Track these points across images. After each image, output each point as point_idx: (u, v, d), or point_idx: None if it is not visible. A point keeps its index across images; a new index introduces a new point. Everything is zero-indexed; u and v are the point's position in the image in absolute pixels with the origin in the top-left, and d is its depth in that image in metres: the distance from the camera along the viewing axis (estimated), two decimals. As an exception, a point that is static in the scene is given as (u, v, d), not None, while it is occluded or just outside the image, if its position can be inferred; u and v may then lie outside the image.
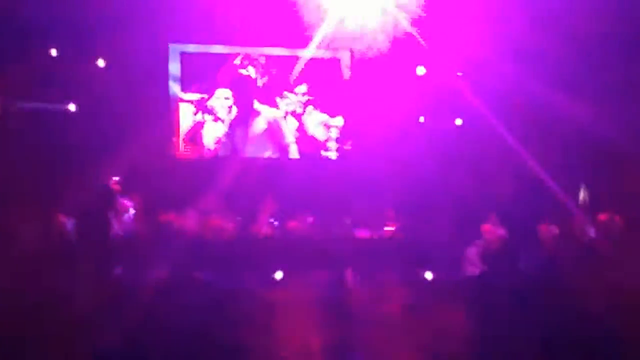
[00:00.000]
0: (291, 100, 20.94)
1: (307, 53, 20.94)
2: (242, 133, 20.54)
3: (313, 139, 21.00)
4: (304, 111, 21.03)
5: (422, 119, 21.17)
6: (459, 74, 21.01)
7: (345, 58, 21.23)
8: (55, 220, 17.45)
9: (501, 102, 20.68)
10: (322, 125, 21.07)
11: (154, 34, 18.94)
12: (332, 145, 21.12)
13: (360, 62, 20.91)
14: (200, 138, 20.26)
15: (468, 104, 20.83)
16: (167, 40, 19.90)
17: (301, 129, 20.95)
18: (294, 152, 20.86)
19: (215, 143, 20.31)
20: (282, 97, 20.88)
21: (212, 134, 20.35)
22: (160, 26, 18.83)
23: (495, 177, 20.28)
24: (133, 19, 17.75)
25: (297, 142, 20.92)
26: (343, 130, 21.16)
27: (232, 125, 20.51)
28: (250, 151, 20.60)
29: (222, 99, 20.44)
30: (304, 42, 20.28)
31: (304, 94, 21.05)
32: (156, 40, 19.35)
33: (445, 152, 20.66)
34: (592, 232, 18.72)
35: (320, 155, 21.04)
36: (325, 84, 21.23)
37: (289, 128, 20.88)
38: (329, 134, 21.13)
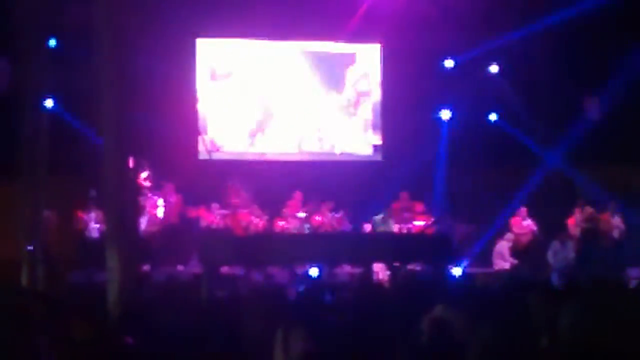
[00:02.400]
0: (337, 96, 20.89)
1: (338, 47, 20.89)
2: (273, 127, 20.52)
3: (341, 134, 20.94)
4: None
5: (448, 114, 21.05)
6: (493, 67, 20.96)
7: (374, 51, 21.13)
8: (75, 216, 17.56)
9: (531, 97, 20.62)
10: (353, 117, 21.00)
11: (181, 29, 18.93)
12: (363, 138, 21.04)
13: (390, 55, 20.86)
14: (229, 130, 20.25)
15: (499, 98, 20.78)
16: (194, 34, 19.86)
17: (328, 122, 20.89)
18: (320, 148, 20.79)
19: (250, 136, 20.28)
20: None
21: (244, 126, 20.34)
22: (187, 21, 18.80)
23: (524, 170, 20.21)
24: (160, 14, 17.73)
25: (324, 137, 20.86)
26: (373, 125, 21.07)
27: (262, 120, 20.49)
28: (282, 146, 20.54)
29: (251, 92, 20.43)
30: (336, 34, 20.27)
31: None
32: (183, 35, 19.34)
33: (475, 146, 20.56)
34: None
35: (349, 151, 20.96)
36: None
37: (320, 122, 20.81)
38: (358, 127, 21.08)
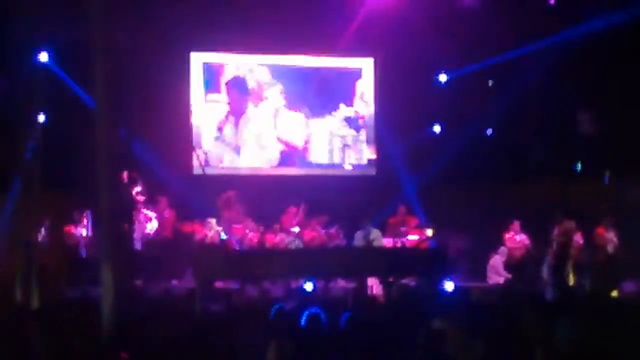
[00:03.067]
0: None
1: (330, 62, 20.94)
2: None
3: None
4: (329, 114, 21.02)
5: (438, 129, 21.14)
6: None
7: (367, 66, 21.18)
8: (63, 232, 17.51)
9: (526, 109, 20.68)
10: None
11: (175, 43, 18.96)
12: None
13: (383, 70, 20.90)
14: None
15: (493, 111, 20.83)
16: (188, 48, 19.89)
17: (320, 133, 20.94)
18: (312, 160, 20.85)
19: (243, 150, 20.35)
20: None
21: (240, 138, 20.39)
22: (181, 35, 18.83)
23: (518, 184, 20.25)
24: (154, 28, 17.76)
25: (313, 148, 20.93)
26: (367, 139, 21.11)
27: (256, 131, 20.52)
28: (274, 160, 20.57)
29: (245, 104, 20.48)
30: (327, 49, 20.32)
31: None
32: (177, 49, 19.36)
33: (470, 160, 20.60)
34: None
35: (342, 164, 21.00)
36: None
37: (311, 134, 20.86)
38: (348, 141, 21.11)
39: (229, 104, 20.52)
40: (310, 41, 19.83)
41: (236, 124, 20.50)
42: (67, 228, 17.42)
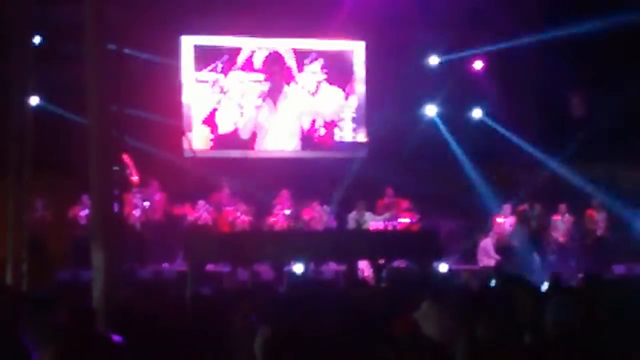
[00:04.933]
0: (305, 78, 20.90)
1: (324, 44, 20.91)
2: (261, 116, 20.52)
3: (326, 118, 20.94)
4: (317, 90, 20.95)
5: (435, 110, 21.12)
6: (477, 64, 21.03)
7: (359, 49, 21.16)
8: (68, 214, 17.50)
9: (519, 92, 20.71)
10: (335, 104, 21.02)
11: (166, 26, 18.93)
12: (346, 125, 21.09)
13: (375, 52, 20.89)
14: (214, 120, 20.24)
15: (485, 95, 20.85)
16: (179, 31, 19.84)
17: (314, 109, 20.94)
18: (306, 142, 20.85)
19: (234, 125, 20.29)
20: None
21: (228, 116, 20.31)
22: (173, 18, 18.78)
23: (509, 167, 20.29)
24: (145, 10, 17.71)
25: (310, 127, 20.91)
26: (358, 117, 21.10)
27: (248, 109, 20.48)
28: (268, 141, 20.56)
29: (236, 82, 20.40)
30: (319, 32, 20.29)
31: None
32: (168, 32, 19.33)
33: (460, 143, 20.64)
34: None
35: (334, 146, 20.99)
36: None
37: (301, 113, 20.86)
38: (343, 114, 21.08)
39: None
40: (302, 24, 19.77)
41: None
42: (71, 210, 17.37)
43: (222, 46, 20.35)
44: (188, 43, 20.07)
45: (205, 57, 20.22)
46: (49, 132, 16.36)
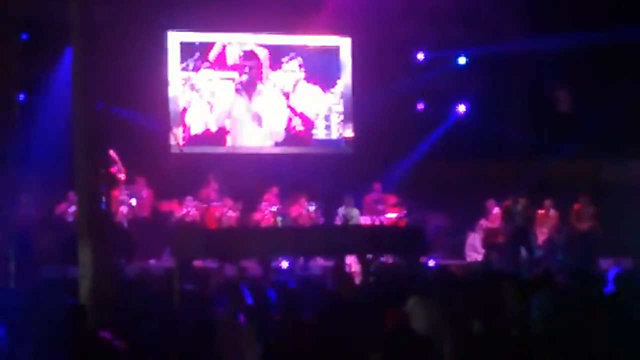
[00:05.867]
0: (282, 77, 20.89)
1: (308, 40, 20.90)
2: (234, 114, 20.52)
3: (304, 116, 20.92)
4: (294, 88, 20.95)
5: (422, 106, 21.16)
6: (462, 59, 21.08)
7: (345, 45, 21.15)
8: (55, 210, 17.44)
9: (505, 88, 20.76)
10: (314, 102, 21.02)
11: (152, 21, 18.90)
12: (331, 122, 21.11)
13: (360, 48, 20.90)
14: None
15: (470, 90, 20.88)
16: (165, 27, 19.81)
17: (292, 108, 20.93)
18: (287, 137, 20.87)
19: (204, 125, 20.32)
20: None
21: (199, 115, 20.32)
22: (159, 13, 18.75)
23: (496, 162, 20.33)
24: (131, 6, 17.66)
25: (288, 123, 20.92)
26: (344, 115, 21.11)
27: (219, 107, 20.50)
28: (245, 137, 20.56)
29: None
30: (304, 28, 20.29)
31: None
32: (154, 27, 19.30)
33: (447, 139, 20.68)
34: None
35: (313, 143, 21.02)
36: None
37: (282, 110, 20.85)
38: (320, 111, 21.09)
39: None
40: (288, 20, 19.77)
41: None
42: (58, 206, 17.31)
43: (205, 42, 20.37)
44: (174, 39, 20.06)
45: (184, 54, 20.25)
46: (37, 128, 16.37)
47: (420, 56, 21.14)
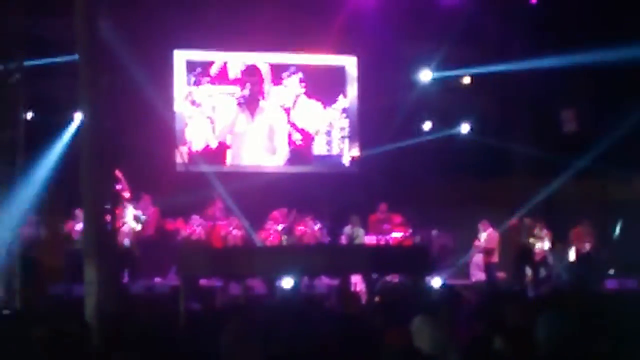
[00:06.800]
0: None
1: (315, 59, 20.95)
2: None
3: (304, 132, 20.93)
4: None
5: (427, 126, 21.15)
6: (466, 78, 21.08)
7: (350, 64, 21.19)
8: (62, 227, 17.43)
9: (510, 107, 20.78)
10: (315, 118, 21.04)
11: (159, 41, 18.95)
12: (333, 139, 21.13)
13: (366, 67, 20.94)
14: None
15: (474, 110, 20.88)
16: (172, 46, 19.86)
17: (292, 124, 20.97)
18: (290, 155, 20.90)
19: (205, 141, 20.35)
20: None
21: (199, 131, 20.37)
22: (165, 32, 18.81)
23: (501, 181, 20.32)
24: (138, 26, 17.71)
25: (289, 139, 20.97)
26: (350, 132, 21.14)
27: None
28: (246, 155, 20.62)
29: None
30: (310, 47, 20.34)
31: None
32: (161, 47, 19.35)
33: (452, 159, 20.65)
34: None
35: (313, 160, 21.04)
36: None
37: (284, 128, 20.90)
38: (320, 127, 21.10)
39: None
40: (293, 39, 19.82)
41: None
42: (66, 224, 17.27)
43: (212, 61, 20.44)
44: (180, 57, 20.12)
45: (187, 69, 20.32)
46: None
47: (426, 75, 21.13)
